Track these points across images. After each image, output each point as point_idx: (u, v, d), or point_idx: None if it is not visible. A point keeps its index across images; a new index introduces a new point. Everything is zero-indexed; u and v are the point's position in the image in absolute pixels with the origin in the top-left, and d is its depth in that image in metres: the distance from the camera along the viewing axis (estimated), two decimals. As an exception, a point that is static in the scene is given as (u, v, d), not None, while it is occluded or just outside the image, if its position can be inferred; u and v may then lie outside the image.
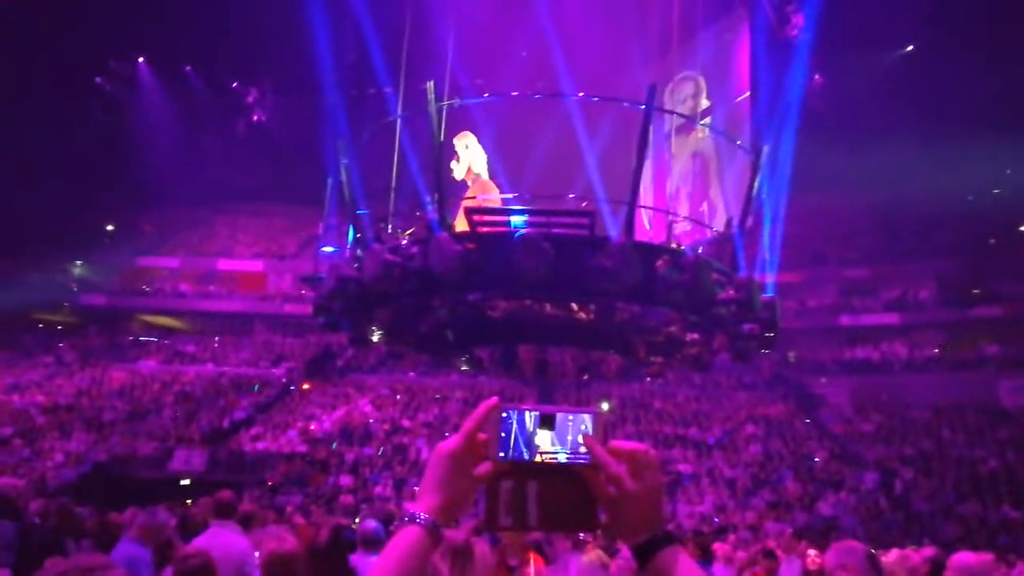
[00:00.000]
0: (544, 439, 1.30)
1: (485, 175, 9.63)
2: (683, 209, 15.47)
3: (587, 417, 1.30)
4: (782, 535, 13.31)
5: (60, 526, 7.12)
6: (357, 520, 18.10)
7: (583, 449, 1.29)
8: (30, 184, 34.80)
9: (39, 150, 34.68)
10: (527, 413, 1.30)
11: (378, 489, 21.29)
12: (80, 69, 36.13)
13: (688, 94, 17.65)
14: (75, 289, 38.29)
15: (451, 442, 1.33)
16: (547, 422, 1.30)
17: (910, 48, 33.35)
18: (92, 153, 37.20)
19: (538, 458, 1.29)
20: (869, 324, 32.80)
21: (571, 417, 1.31)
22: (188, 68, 38.34)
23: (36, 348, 34.64)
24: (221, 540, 5.15)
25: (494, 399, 1.32)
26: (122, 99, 39.08)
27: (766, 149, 9.39)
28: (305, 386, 30.60)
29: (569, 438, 1.30)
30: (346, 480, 21.84)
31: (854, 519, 19.60)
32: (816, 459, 23.48)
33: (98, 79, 38.21)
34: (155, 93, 38.90)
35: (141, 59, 38.10)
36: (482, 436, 1.31)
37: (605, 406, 27.11)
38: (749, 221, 9.14)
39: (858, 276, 34.64)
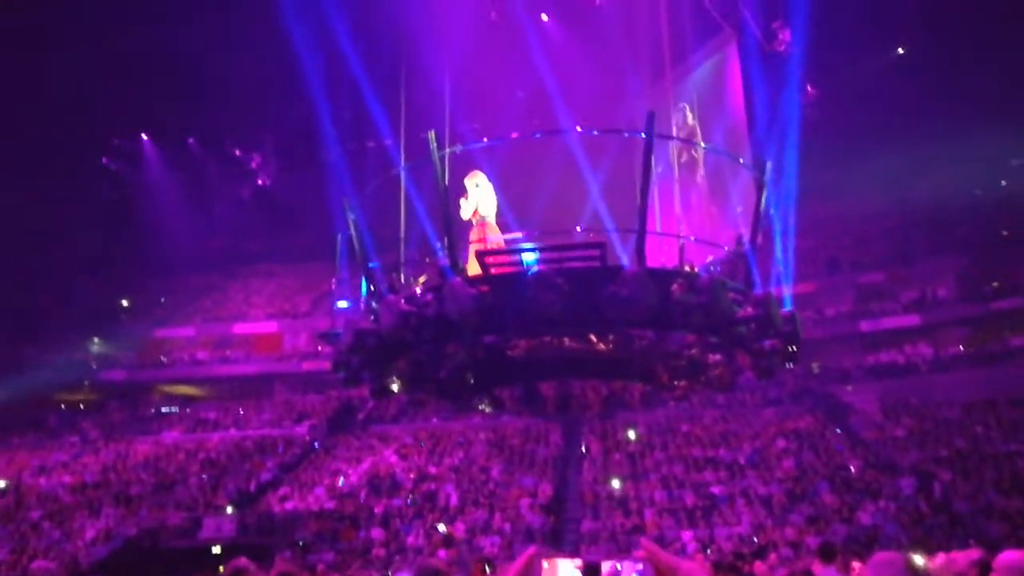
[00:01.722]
0: None
1: (491, 218, 9.63)
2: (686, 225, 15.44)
3: (640, 566, 1.16)
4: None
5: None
6: (389, 574, 17.96)
7: None
8: (43, 268, 35.33)
9: (51, 232, 35.28)
10: (570, 563, 1.16)
11: (410, 539, 21.07)
12: (85, 149, 36.81)
13: (679, 123, 17.74)
14: (94, 366, 38.59)
15: None
16: (592, 573, 1.16)
17: (900, 51, 33.55)
18: (103, 231, 37.83)
19: None
20: (890, 327, 32.45)
21: (619, 565, 1.16)
22: (191, 140, 38.98)
23: (60, 428, 34.76)
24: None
25: (533, 548, 1.18)
26: (128, 176, 39.69)
27: (769, 165, 9.39)
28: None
29: None
30: (377, 533, 21.63)
31: (896, 526, 19.22)
32: (851, 468, 23.12)
33: (104, 159, 38.84)
34: (160, 167, 39.50)
35: (144, 135, 38.73)
36: None
37: (632, 435, 26.85)
38: (759, 238, 9.11)
39: (874, 280, 34.47)
